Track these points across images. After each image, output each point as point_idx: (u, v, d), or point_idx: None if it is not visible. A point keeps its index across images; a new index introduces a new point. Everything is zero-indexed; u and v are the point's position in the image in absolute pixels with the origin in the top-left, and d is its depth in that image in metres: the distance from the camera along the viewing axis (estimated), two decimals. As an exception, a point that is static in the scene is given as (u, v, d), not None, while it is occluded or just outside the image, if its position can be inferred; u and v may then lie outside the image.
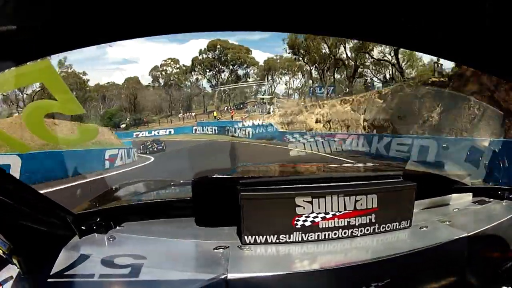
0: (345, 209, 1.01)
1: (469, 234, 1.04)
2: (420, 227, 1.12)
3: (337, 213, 1.01)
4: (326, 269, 0.87)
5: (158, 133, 27.87)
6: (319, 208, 0.99)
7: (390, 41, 0.73)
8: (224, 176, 1.31)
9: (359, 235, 1.03)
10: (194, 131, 27.80)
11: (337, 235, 1.02)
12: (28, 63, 0.62)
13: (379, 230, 1.05)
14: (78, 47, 0.53)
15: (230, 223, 1.06)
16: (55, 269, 0.87)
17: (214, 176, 1.18)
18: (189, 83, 33.41)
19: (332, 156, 12.49)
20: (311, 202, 0.98)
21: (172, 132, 27.96)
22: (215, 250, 0.94)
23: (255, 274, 0.84)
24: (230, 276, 0.82)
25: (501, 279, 1.06)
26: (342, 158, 11.18)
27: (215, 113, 30.71)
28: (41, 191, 0.89)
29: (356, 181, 1.11)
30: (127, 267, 0.85)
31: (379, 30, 0.59)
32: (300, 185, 1.04)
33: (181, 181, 1.66)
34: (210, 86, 33.54)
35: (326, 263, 0.90)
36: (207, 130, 26.88)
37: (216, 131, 25.77)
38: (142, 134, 27.74)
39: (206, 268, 0.85)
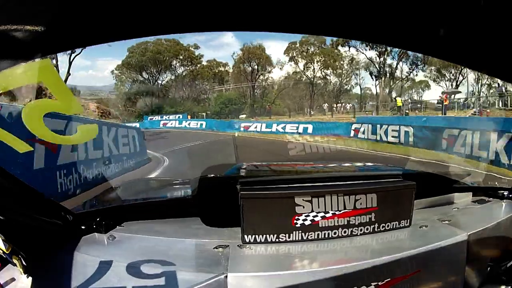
0: (344, 208, 1.01)
1: (469, 234, 1.04)
2: (419, 226, 1.12)
3: (337, 212, 1.01)
4: (325, 268, 0.87)
5: (284, 128, 15.88)
6: (318, 207, 0.99)
7: (391, 42, 0.73)
8: (224, 176, 1.31)
9: (358, 234, 1.03)
10: (352, 133, 12.94)
11: (336, 234, 1.02)
12: (28, 63, 0.62)
13: (378, 229, 1.06)
14: (78, 47, 0.53)
15: (230, 222, 1.06)
16: (55, 269, 0.87)
17: (214, 175, 1.18)
18: (338, 69, 21.19)
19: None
20: (310, 201, 0.99)
21: (309, 130, 14.73)
22: (215, 249, 0.95)
23: (255, 273, 0.84)
24: (230, 275, 0.82)
25: (501, 278, 1.06)
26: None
27: (399, 101, 16.82)
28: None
29: (355, 180, 1.11)
30: (127, 267, 0.85)
31: (380, 30, 0.59)
32: (299, 184, 1.04)
33: (181, 180, 1.66)
34: (370, 74, 20.57)
35: (326, 262, 0.91)
36: (383, 133, 11.57)
37: (413, 139, 10.37)
38: (255, 127, 16.76)
39: (206, 267, 0.85)
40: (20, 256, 0.80)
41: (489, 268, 1.08)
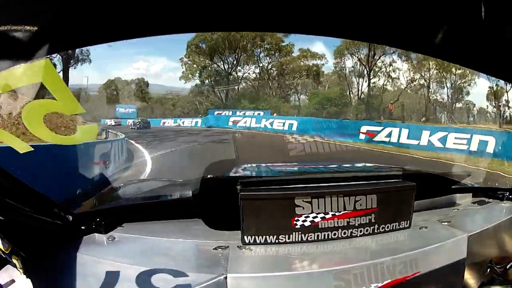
0: (344, 209, 1.01)
1: (468, 235, 1.04)
2: (419, 227, 1.12)
3: (337, 213, 1.01)
4: (325, 269, 0.87)
5: (445, 141, 8.43)
6: (318, 208, 0.99)
7: (391, 42, 0.73)
8: (224, 176, 1.31)
9: (358, 235, 1.03)
10: None
11: (336, 236, 1.02)
12: (28, 63, 0.63)
13: (378, 231, 1.05)
14: (78, 46, 0.53)
15: (230, 223, 1.06)
16: (55, 269, 0.87)
17: (214, 176, 1.18)
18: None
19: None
20: (310, 202, 0.98)
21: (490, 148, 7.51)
22: (215, 250, 0.94)
23: (255, 274, 0.84)
24: (230, 276, 0.82)
25: (500, 280, 1.06)
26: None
27: None
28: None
29: (355, 181, 1.11)
30: (127, 267, 0.85)
31: (380, 30, 0.59)
32: (299, 185, 1.04)
33: (181, 181, 1.66)
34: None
35: (325, 264, 0.90)
36: None
37: None
38: (387, 134, 9.41)
39: (206, 268, 0.85)
40: (19, 256, 0.80)
41: (488, 270, 1.08)
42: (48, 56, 0.65)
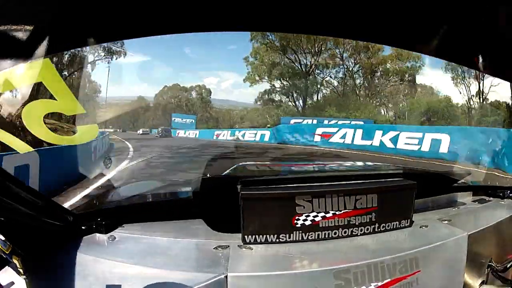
0: (345, 208, 1.01)
1: (469, 233, 1.04)
2: (420, 226, 1.12)
3: (337, 212, 1.01)
4: (325, 268, 0.87)
5: None
6: (319, 207, 0.99)
7: (390, 41, 0.73)
8: (225, 176, 1.31)
9: (359, 234, 1.03)
10: None
11: (337, 235, 1.02)
12: (28, 63, 0.63)
13: (379, 229, 1.06)
14: (78, 47, 0.53)
15: (230, 223, 1.06)
16: (55, 270, 0.87)
17: (215, 175, 1.18)
18: None
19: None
20: (311, 201, 0.98)
21: None
22: (215, 250, 0.95)
23: (255, 273, 0.84)
24: (230, 275, 0.82)
25: (501, 278, 1.06)
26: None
27: None
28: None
29: (356, 180, 1.11)
30: (128, 267, 0.85)
31: (380, 30, 0.59)
32: (300, 184, 1.04)
33: (181, 181, 1.66)
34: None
35: (326, 263, 0.91)
36: None
37: None
38: None
39: (206, 267, 0.85)
40: (20, 256, 0.80)
41: (489, 268, 1.08)
42: (48, 56, 0.65)
